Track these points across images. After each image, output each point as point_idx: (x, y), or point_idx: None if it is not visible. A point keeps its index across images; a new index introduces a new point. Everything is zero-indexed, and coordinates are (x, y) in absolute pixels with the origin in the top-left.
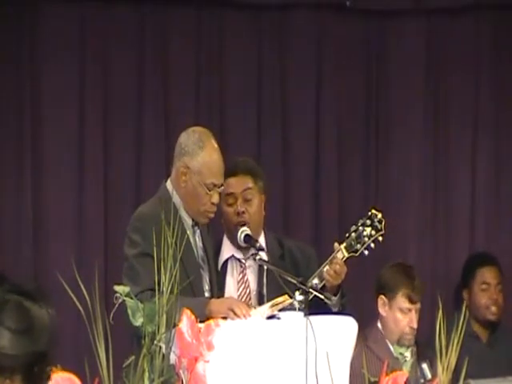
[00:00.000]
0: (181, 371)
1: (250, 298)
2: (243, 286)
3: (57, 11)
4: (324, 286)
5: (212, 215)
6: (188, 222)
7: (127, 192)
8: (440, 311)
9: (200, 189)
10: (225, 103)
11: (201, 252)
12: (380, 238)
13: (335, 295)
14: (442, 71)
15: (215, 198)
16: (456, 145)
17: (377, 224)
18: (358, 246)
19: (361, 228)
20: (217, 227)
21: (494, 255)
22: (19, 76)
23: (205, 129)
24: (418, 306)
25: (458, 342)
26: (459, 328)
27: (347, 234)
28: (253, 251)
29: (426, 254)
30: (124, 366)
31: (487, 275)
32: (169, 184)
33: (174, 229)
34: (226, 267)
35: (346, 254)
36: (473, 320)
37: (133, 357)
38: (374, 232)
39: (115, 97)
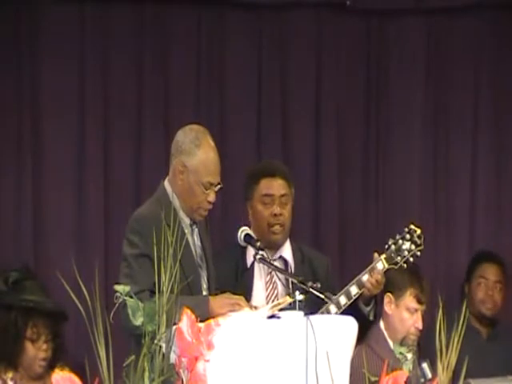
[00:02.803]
0: (181, 370)
1: (277, 300)
2: (271, 286)
3: (57, 11)
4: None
5: (206, 213)
6: (186, 221)
7: (127, 192)
8: (440, 310)
9: (196, 187)
10: (225, 103)
11: (199, 251)
12: (418, 253)
13: (369, 304)
14: (442, 71)
15: (212, 197)
16: (456, 144)
17: (416, 239)
18: (398, 258)
19: (400, 241)
20: (216, 225)
21: (498, 254)
22: (19, 76)
23: (201, 127)
24: (424, 307)
25: (458, 342)
26: (459, 327)
27: (386, 246)
28: (277, 254)
29: (426, 253)
30: (124, 365)
31: (486, 270)
32: (167, 184)
33: (172, 229)
34: (253, 267)
35: (387, 265)
36: (470, 315)
37: (133, 356)
38: (413, 246)
39: (115, 97)
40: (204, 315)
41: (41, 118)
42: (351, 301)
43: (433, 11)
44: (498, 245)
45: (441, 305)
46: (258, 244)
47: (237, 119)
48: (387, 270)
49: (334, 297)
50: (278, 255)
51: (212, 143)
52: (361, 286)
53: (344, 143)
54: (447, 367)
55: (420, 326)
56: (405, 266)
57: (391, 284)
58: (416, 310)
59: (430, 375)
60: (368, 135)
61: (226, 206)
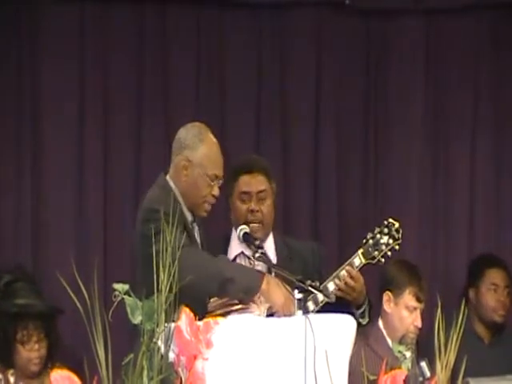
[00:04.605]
0: (179, 369)
1: (259, 296)
2: None
3: (57, 11)
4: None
5: (209, 207)
6: (188, 218)
7: (127, 192)
8: (439, 310)
9: (202, 180)
10: (224, 103)
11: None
12: (397, 247)
13: (361, 306)
14: (442, 71)
15: (216, 191)
16: (455, 144)
17: (394, 233)
18: (376, 253)
19: (378, 236)
20: (218, 224)
21: (501, 257)
22: (19, 76)
23: (203, 124)
24: (423, 306)
25: (456, 340)
26: (458, 326)
27: (364, 241)
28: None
29: (426, 253)
30: (123, 363)
31: (496, 276)
32: (169, 179)
33: (183, 224)
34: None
35: (364, 261)
36: (477, 321)
37: (132, 355)
38: (391, 240)
39: (115, 97)
40: (251, 288)
41: (41, 118)
42: (326, 298)
43: (432, 11)
44: (498, 245)
45: (439, 304)
46: (257, 243)
47: (237, 119)
48: (364, 265)
49: (332, 296)
50: (258, 252)
51: (214, 139)
52: (338, 279)
53: (343, 143)
54: (446, 366)
55: (419, 324)
56: (382, 260)
57: (390, 282)
58: (415, 309)
59: (428, 374)
60: (367, 135)
61: (216, 205)
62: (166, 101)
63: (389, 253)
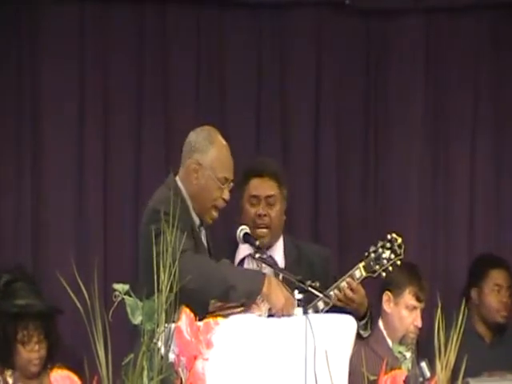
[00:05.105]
0: (180, 369)
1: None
2: None
3: (57, 11)
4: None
5: (216, 215)
6: (195, 221)
7: (127, 192)
8: (439, 310)
9: (212, 183)
10: (224, 103)
11: (205, 252)
12: (398, 262)
13: (363, 318)
14: (442, 71)
15: (226, 194)
16: (455, 144)
17: (396, 248)
18: (377, 267)
19: (380, 250)
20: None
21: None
22: (19, 76)
23: (212, 127)
24: (423, 305)
25: (456, 340)
26: (458, 326)
27: (366, 254)
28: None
29: (426, 253)
30: (123, 363)
31: (499, 277)
32: (178, 180)
33: (190, 227)
34: (243, 266)
35: (364, 274)
36: (479, 320)
37: (132, 355)
38: (393, 255)
39: (115, 97)
40: (253, 292)
41: (41, 118)
42: (328, 307)
43: (433, 11)
44: (498, 245)
45: (439, 304)
46: (257, 243)
47: (237, 119)
48: (365, 278)
49: (333, 296)
50: (267, 254)
51: (224, 142)
52: (339, 290)
53: (343, 143)
54: (446, 366)
55: (419, 323)
56: (383, 274)
57: (390, 282)
58: (415, 308)
59: (428, 374)
60: (367, 135)
61: (226, 207)
62: (166, 101)
63: (390, 267)
